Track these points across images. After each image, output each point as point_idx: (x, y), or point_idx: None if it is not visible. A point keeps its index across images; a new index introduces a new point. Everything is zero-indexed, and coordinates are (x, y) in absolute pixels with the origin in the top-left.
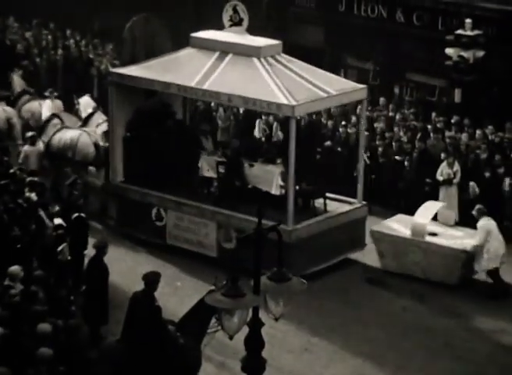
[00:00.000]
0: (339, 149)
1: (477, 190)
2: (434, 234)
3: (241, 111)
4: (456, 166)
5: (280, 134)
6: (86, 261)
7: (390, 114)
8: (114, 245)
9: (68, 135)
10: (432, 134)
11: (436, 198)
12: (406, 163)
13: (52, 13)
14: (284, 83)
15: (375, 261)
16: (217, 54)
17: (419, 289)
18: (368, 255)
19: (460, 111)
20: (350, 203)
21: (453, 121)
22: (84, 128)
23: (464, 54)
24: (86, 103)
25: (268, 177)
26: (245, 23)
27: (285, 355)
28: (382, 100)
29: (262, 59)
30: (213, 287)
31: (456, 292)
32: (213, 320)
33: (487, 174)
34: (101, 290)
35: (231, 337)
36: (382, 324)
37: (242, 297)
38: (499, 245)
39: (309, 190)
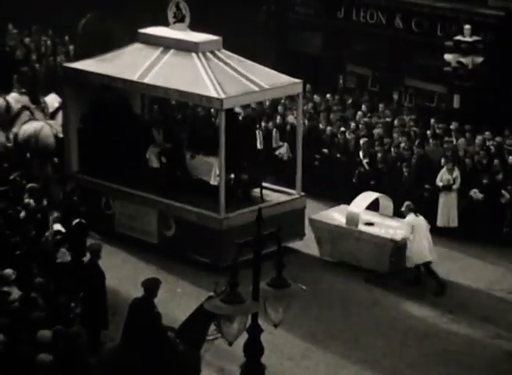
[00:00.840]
0: (338, 155)
1: (479, 195)
2: (371, 224)
3: (241, 117)
4: (456, 172)
5: (280, 142)
6: None
7: (388, 120)
8: (114, 251)
9: (32, 126)
10: (430, 140)
11: (436, 204)
12: (405, 169)
13: (51, 19)
14: (218, 77)
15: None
16: (160, 49)
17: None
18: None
19: (459, 117)
20: (288, 194)
21: (452, 127)
22: (48, 121)
23: (463, 60)
24: (52, 99)
25: (208, 168)
26: (187, 20)
27: (284, 362)
28: (381, 106)
29: (201, 54)
30: (212, 294)
31: (453, 297)
32: (213, 327)
33: (485, 181)
34: (98, 294)
35: (230, 344)
36: (382, 331)
37: (241, 303)
38: (423, 243)
39: (246, 180)
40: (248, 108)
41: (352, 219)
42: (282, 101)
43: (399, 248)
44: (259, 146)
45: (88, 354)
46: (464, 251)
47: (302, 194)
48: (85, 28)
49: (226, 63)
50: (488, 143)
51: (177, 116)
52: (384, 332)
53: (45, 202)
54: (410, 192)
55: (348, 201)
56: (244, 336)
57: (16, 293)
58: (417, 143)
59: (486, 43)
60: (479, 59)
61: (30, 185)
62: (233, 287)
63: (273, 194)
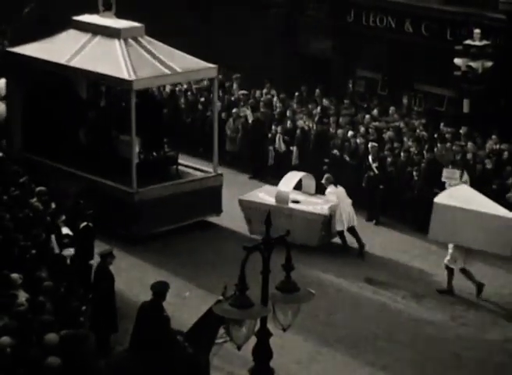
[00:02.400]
0: (347, 159)
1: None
2: (297, 202)
3: (250, 121)
4: (465, 177)
5: (283, 146)
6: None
7: (397, 124)
8: (122, 255)
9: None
10: (439, 144)
11: None
12: (414, 173)
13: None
14: (133, 60)
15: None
16: (89, 35)
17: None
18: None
19: (469, 121)
20: (205, 172)
21: (461, 131)
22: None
23: (473, 64)
24: (3, 83)
25: (129, 146)
26: (113, 8)
27: (293, 366)
28: (391, 109)
29: (122, 40)
30: (221, 297)
31: (463, 301)
32: (222, 331)
33: (494, 186)
34: (108, 298)
35: (239, 348)
36: (391, 335)
37: (250, 307)
38: (347, 210)
39: (163, 157)
40: (257, 112)
41: (282, 198)
42: (291, 104)
43: (328, 222)
44: (281, 149)
45: (96, 357)
46: (475, 257)
47: (219, 172)
48: (28, 15)
49: (146, 48)
50: (495, 146)
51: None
52: (393, 336)
53: (53, 205)
54: (420, 196)
55: (357, 206)
56: (253, 340)
57: (23, 296)
58: (426, 147)
59: (496, 47)
60: (489, 63)
61: (39, 189)
62: (242, 291)
63: (193, 172)
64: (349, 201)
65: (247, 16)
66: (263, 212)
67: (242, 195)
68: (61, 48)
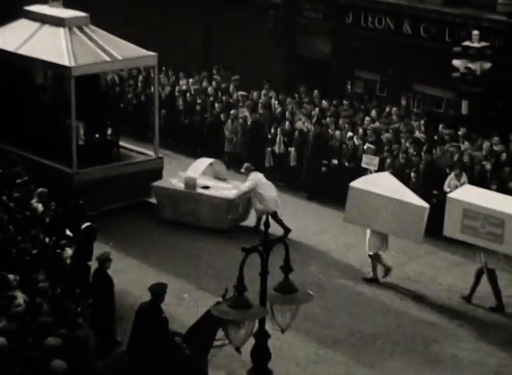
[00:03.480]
0: (346, 164)
1: None
2: (207, 187)
3: (248, 123)
4: (464, 178)
5: (282, 147)
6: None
7: (396, 125)
8: (121, 256)
9: None
10: (439, 146)
11: (443, 210)
12: (413, 175)
13: None
14: (76, 48)
15: None
16: (38, 24)
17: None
18: None
19: (467, 123)
20: (146, 155)
21: (460, 133)
22: None
23: (471, 66)
24: None
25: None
26: None
27: (291, 367)
28: (388, 111)
29: (67, 29)
30: (221, 300)
31: (461, 303)
32: (221, 333)
33: (493, 187)
34: (107, 302)
35: (237, 349)
36: (389, 336)
37: (248, 308)
38: (267, 196)
39: (106, 140)
40: (256, 113)
41: (190, 184)
42: (290, 107)
43: (234, 205)
44: (281, 150)
45: (95, 359)
46: (471, 258)
47: (160, 155)
48: None
49: (89, 37)
50: (495, 148)
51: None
52: (392, 337)
53: (53, 206)
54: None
55: None
56: (251, 341)
57: (20, 297)
58: (425, 149)
59: (495, 49)
60: (487, 65)
61: (40, 190)
62: (240, 292)
63: (135, 155)
64: (271, 188)
65: (246, 18)
66: (174, 197)
67: (154, 182)
68: (12, 37)
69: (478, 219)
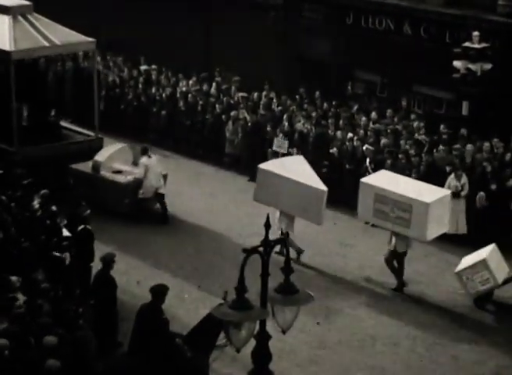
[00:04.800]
0: (347, 166)
1: (484, 202)
2: (119, 171)
3: (249, 124)
4: (464, 179)
5: (286, 145)
6: (93, 273)
7: (396, 126)
8: (121, 258)
9: None
10: (440, 146)
11: None
12: (413, 176)
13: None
14: (17, 34)
15: None
16: None
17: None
18: None
19: (468, 123)
20: (87, 135)
21: (460, 134)
22: None
23: (472, 66)
24: None
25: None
26: None
27: (292, 368)
28: (389, 112)
29: (11, 16)
30: (222, 302)
31: (463, 304)
32: (222, 335)
33: (493, 187)
34: (109, 303)
35: (238, 350)
36: (390, 337)
37: (249, 310)
38: (154, 180)
39: (48, 121)
40: (257, 114)
41: (95, 167)
42: (291, 108)
43: (131, 190)
44: (285, 150)
45: (95, 360)
46: None
47: (100, 136)
48: None
49: (32, 24)
50: (496, 150)
51: None
52: (392, 339)
53: (54, 208)
54: None
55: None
56: (252, 343)
57: (21, 299)
58: (425, 150)
59: (495, 50)
60: (488, 66)
61: (42, 191)
62: (241, 293)
63: (76, 135)
64: (159, 171)
65: (246, 19)
66: (83, 179)
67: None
68: None
69: (387, 203)
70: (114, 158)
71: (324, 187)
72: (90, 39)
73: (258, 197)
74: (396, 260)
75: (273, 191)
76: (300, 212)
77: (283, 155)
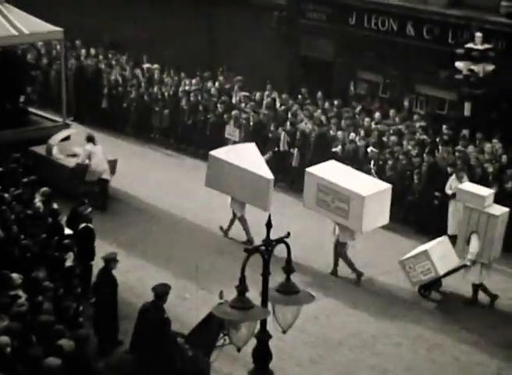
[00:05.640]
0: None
1: None
2: (74, 155)
3: (251, 123)
4: (465, 180)
5: (287, 145)
6: (94, 271)
7: (399, 127)
8: (123, 256)
9: None
10: (440, 148)
11: (446, 212)
12: (415, 177)
13: (62, 24)
14: None
15: None
16: None
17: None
18: None
19: (470, 125)
20: (54, 121)
21: (461, 135)
22: None
23: (474, 67)
24: None
25: None
26: None
27: (293, 368)
28: (391, 112)
29: None
30: (222, 301)
31: (464, 306)
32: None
33: (494, 188)
34: (110, 302)
35: (239, 350)
36: (391, 338)
37: (250, 309)
38: (99, 165)
39: (17, 107)
40: (259, 114)
41: (48, 150)
42: (294, 108)
43: (78, 173)
44: (283, 149)
45: (96, 358)
46: None
47: (67, 122)
48: None
49: (3, 14)
50: (498, 152)
51: None
52: (393, 339)
53: (55, 206)
54: (421, 199)
55: None
56: (253, 342)
57: (22, 296)
58: (427, 150)
59: (497, 51)
60: (490, 67)
61: (42, 189)
62: (242, 292)
63: (45, 121)
64: (103, 157)
65: (249, 19)
66: (38, 161)
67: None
68: None
69: (328, 193)
70: (72, 142)
71: (270, 176)
72: (58, 28)
73: (209, 183)
74: (338, 249)
75: (223, 177)
76: (249, 198)
77: (234, 142)
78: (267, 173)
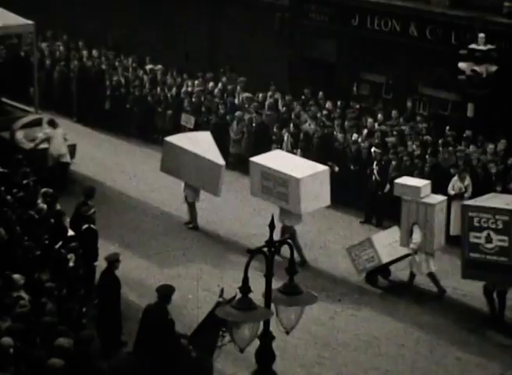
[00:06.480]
0: (351, 167)
1: None
2: (33, 140)
3: (254, 124)
4: (468, 180)
5: (289, 146)
6: (97, 272)
7: (402, 128)
8: (126, 257)
9: None
10: (441, 148)
11: (448, 212)
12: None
13: (66, 25)
14: None
15: None
16: None
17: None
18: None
19: (473, 125)
20: (26, 111)
21: (464, 135)
22: None
23: (477, 68)
24: None
25: None
26: None
27: (296, 369)
28: (394, 113)
29: None
30: (220, 299)
31: (466, 306)
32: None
33: (498, 188)
34: (113, 303)
35: (242, 350)
36: (394, 339)
37: (253, 310)
38: (55, 148)
39: None
40: (262, 115)
41: (11, 134)
42: (297, 109)
43: (38, 156)
44: (286, 149)
45: (99, 359)
46: None
47: (39, 112)
48: None
49: None
50: (501, 153)
51: None
52: (396, 340)
53: (58, 207)
54: None
55: (362, 208)
56: (256, 343)
57: (25, 297)
58: (429, 151)
59: (500, 51)
60: (493, 68)
61: (44, 190)
62: (245, 293)
63: (17, 111)
64: (61, 141)
65: (252, 20)
66: (6, 144)
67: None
68: None
69: (270, 180)
70: (38, 127)
71: (222, 162)
72: (29, 21)
73: (164, 169)
74: (287, 234)
75: (177, 163)
76: (200, 183)
77: (190, 129)
78: (219, 159)
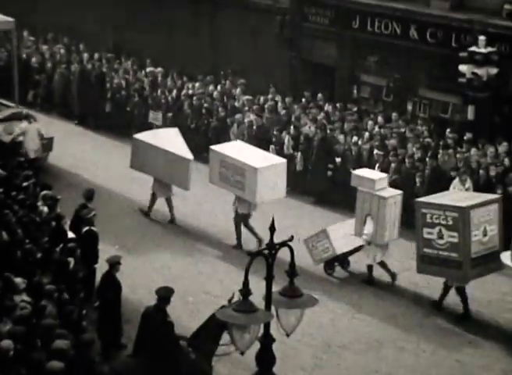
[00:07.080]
0: (351, 170)
1: None
2: (10, 133)
3: (254, 127)
4: (469, 183)
5: (290, 148)
6: (97, 275)
7: (402, 130)
8: (126, 259)
9: None
10: (441, 151)
11: None
12: (418, 180)
13: (66, 28)
14: None
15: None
16: None
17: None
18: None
19: (473, 128)
20: (8, 106)
21: (465, 138)
22: None
23: (478, 71)
24: None
25: None
26: None
27: (296, 372)
28: (394, 115)
29: None
30: (226, 303)
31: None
32: (226, 336)
33: (498, 191)
34: (114, 306)
35: (242, 353)
36: (394, 341)
37: (253, 312)
38: (29, 142)
39: None
40: (262, 118)
41: None
42: (297, 112)
43: (12, 150)
44: (287, 152)
45: (100, 362)
46: None
47: (20, 107)
48: None
49: None
50: (502, 155)
51: None
52: (396, 342)
53: (59, 209)
54: None
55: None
56: (256, 345)
57: (26, 300)
58: (430, 154)
59: (501, 54)
60: (494, 70)
61: (44, 192)
62: (245, 296)
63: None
64: (36, 135)
65: (252, 22)
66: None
67: None
68: None
69: (229, 168)
70: (17, 121)
71: (190, 156)
72: (9, 18)
73: (134, 165)
74: (242, 222)
75: (146, 159)
76: (170, 178)
77: (157, 127)
78: (187, 154)
